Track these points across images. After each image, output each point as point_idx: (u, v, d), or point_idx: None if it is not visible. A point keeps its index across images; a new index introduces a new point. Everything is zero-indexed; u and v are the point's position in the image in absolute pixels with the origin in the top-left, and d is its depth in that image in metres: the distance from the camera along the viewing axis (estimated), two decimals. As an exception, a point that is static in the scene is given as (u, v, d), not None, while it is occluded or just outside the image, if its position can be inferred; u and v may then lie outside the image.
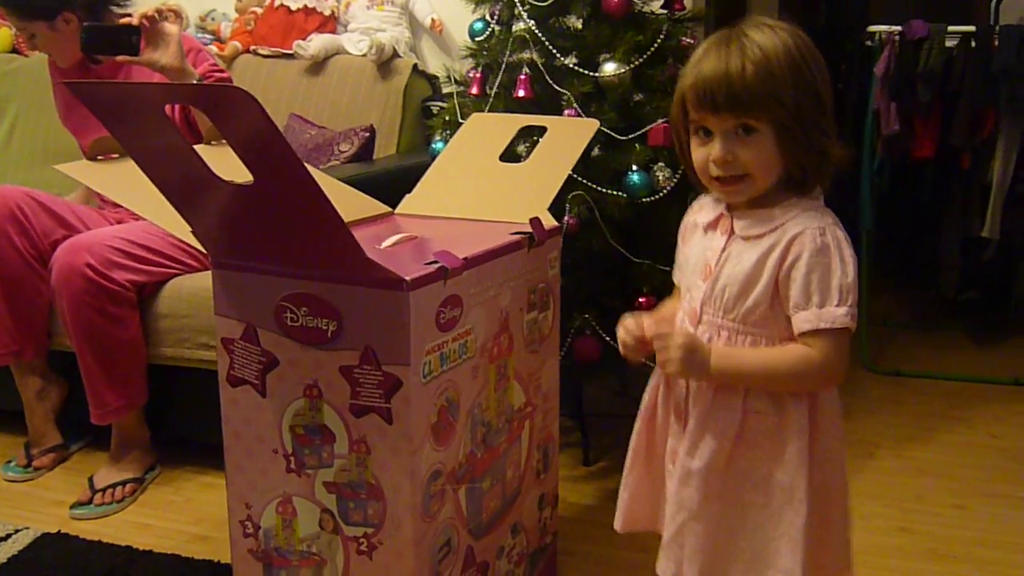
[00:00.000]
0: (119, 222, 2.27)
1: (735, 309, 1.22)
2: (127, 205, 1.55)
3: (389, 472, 1.34)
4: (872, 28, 2.90)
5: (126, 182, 1.62)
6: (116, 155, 1.63)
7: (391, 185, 1.98)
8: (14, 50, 3.31)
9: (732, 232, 1.23)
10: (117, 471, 2.14)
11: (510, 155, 1.94)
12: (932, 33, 2.74)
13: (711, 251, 1.25)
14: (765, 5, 4.05)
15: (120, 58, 2.05)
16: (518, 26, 2.13)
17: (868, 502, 2.11)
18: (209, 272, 2.14)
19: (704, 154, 1.19)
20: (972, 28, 2.76)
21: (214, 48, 2.99)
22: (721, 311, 1.23)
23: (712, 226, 1.27)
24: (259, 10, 2.99)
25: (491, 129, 1.94)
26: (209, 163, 1.22)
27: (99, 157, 1.62)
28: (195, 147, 1.22)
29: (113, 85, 1.48)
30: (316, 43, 2.81)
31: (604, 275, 2.14)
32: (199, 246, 1.43)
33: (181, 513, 2.09)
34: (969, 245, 3.16)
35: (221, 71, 2.29)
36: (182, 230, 1.47)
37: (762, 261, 1.19)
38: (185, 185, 1.29)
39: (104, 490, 2.10)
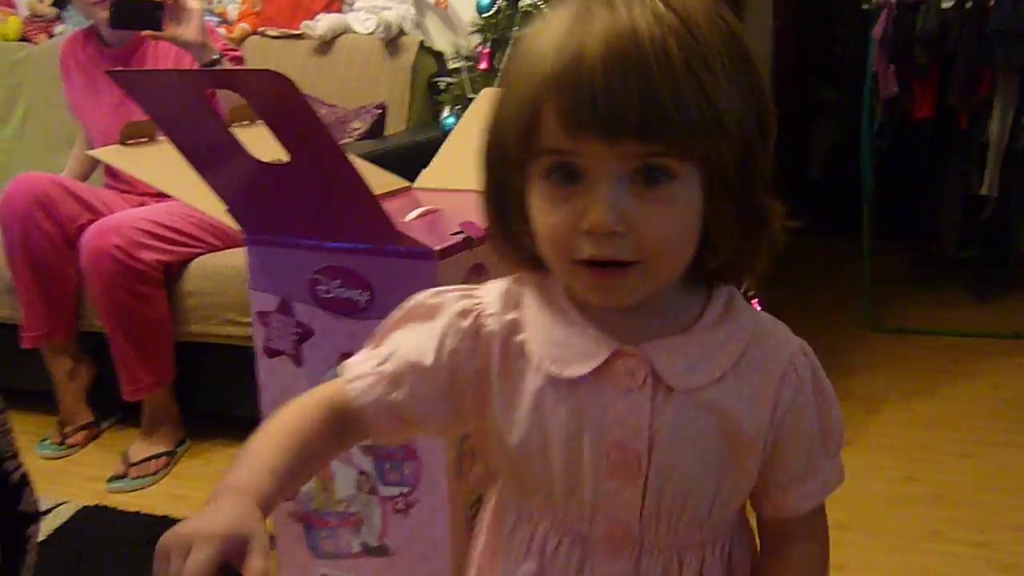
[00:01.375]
0: (141, 204, 2.33)
1: (693, 520, 0.74)
2: (159, 186, 1.61)
3: (423, 433, 1.42)
4: (869, -8, 2.95)
5: (157, 165, 1.69)
6: (145, 139, 1.69)
7: (405, 160, 2.04)
8: (24, 39, 3.35)
9: (656, 381, 0.71)
10: (150, 445, 2.22)
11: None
12: (929, -6, 2.79)
13: (625, 426, 0.71)
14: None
15: (145, 33, 2.12)
16: (524, 1, 2.18)
17: (874, 453, 2.19)
18: (232, 251, 2.23)
19: (567, 217, 0.66)
20: (968, -11, 2.81)
21: (223, 31, 3.03)
22: (665, 528, 0.74)
23: (601, 375, 0.71)
24: (265, -9, 3.04)
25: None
26: (245, 144, 1.29)
27: (129, 141, 1.68)
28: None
29: (154, 73, 1.54)
30: (323, 23, 2.85)
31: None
32: (233, 224, 1.49)
33: (213, 483, 2.11)
34: (968, 203, 3.22)
35: (235, 50, 2.34)
36: (215, 209, 1.53)
37: (738, 425, 0.72)
38: (222, 166, 1.35)
39: (138, 463, 2.17)
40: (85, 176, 2.51)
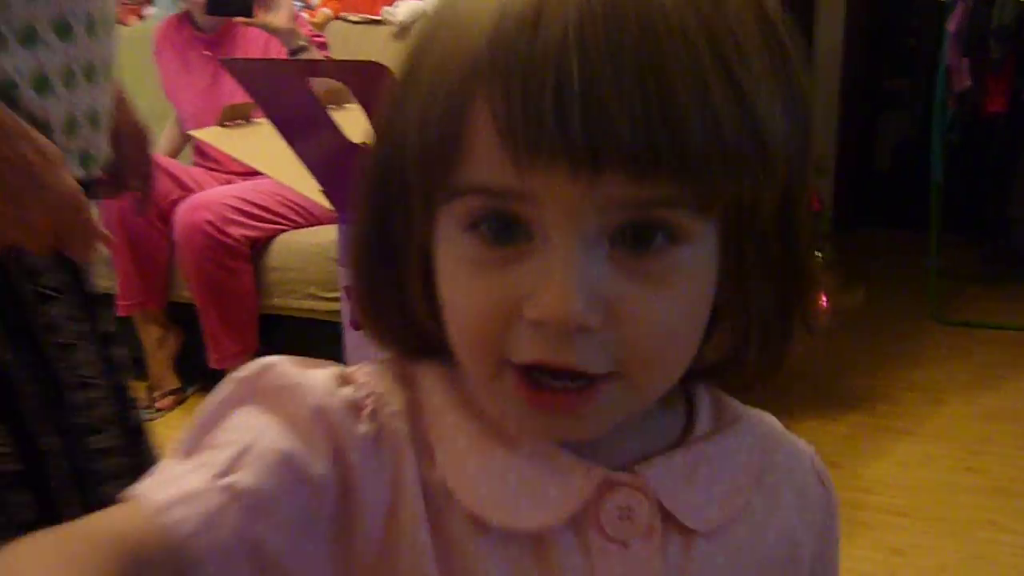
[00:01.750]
0: (228, 182, 2.45)
1: None
2: (255, 166, 1.71)
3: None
4: (945, -16, 2.94)
5: (253, 145, 1.80)
6: (242, 120, 1.80)
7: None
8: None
9: (667, 523, 0.46)
10: (233, 411, 2.34)
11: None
12: (1005, -12, 2.79)
13: None
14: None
15: (237, 20, 2.23)
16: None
17: (935, 443, 2.23)
18: (315, 228, 2.34)
19: (500, 295, 0.41)
20: (1046, -17, 2.79)
21: (306, 15, 3.14)
22: None
23: (579, 521, 0.45)
24: (347, -23, 3.14)
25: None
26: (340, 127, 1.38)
27: (226, 123, 1.79)
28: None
29: (262, 62, 1.65)
30: (403, 8, 2.93)
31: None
32: (326, 203, 1.58)
33: (293, 449, 2.27)
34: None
35: (319, 36, 2.44)
36: (307, 188, 1.63)
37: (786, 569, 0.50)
38: (319, 148, 1.45)
39: (222, 428, 2.29)
40: (175, 153, 2.64)
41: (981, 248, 3.90)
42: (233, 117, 1.76)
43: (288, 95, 1.33)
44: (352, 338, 1.62)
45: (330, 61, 1.19)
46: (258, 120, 1.85)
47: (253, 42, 2.46)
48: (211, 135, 1.77)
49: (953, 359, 2.80)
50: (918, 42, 3.58)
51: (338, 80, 1.24)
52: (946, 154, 3.08)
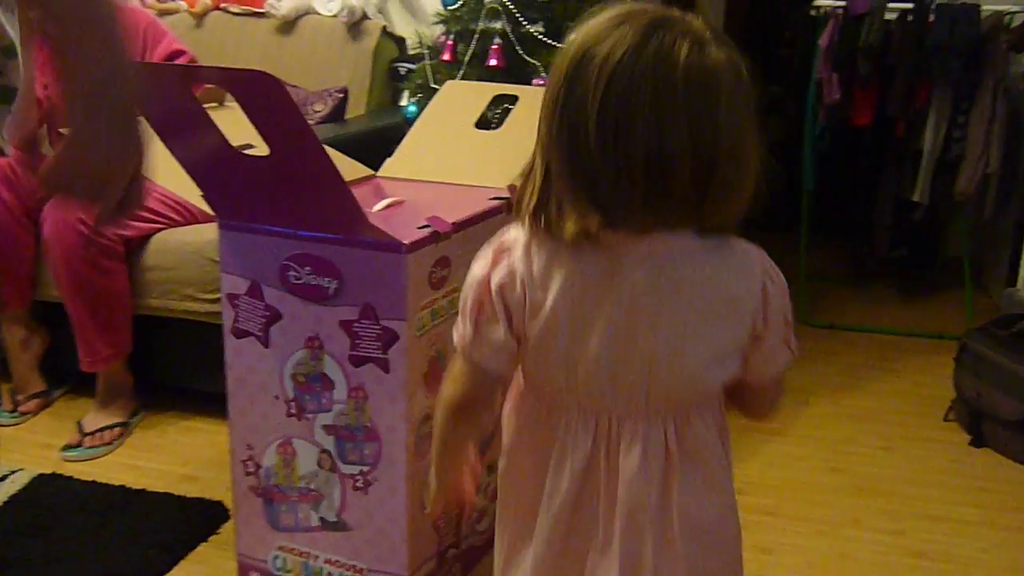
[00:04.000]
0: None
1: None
2: (133, 168, 1.64)
3: (385, 416, 1.49)
4: (817, 2, 3.06)
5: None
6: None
7: (365, 145, 2.10)
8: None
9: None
10: (105, 415, 2.25)
11: (481, 122, 2.07)
12: (873, 9, 2.92)
13: None
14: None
15: None
16: (490, -4, 2.24)
17: (802, 444, 2.32)
18: (193, 227, 2.28)
19: None
20: (910, 5, 2.94)
21: (183, 3, 3.04)
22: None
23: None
24: (228, -33, 3.05)
25: (465, 97, 2.07)
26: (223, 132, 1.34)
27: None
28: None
29: (142, 66, 1.58)
30: (288, 2, 2.88)
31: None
32: (207, 208, 1.54)
33: (168, 455, 2.21)
34: (900, 206, 3.38)
35: (184, 51, 2.36)
36: (188, 191, 1.58)
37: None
38: (201, 154, 1.41)
39: (93, 433, 2.21)
40: (30, 138, 2.47)
41: (845, 251, 4.09)
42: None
43: (169, 99, 1.28)
44: (233, 345, 1.58)
45: (216, 68, 1.16)
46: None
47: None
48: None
49: (820, 360, 2.92)
50: (791, 52, 3.72)
51: (224, 89, 1.20)
52: (816, 163, 3.22)
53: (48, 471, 2.09)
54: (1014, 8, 2.93)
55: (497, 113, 2.22)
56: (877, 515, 2.01)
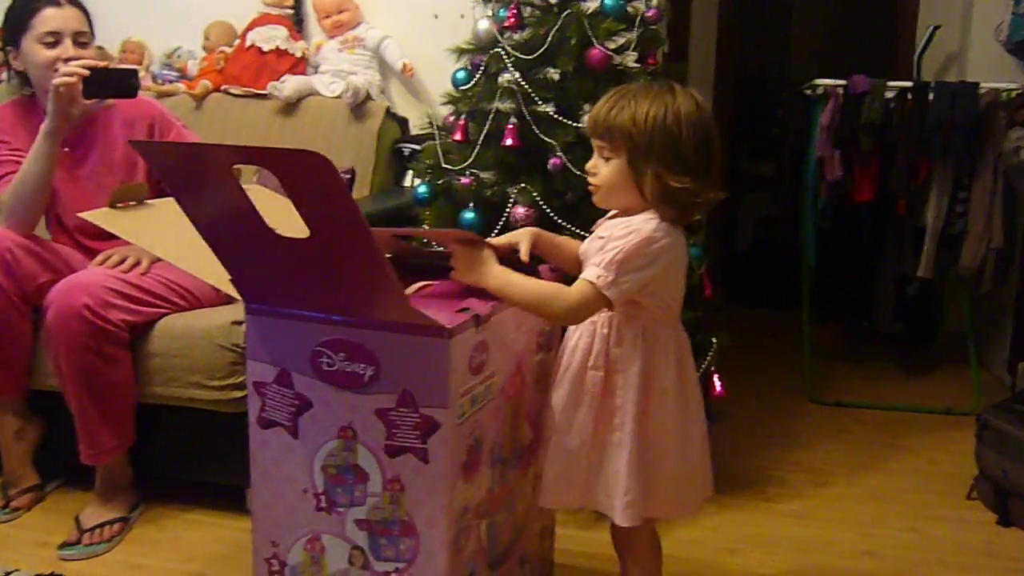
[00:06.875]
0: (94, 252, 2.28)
1: None
2: (154, 251, 1.59)
3: (423, 509, 1.41)
4: (817, 81, 3.09)
5: (148, 228, 1.68)
6: (134, 202, 1.67)
7: (375, 227, 2.04)
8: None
9: None
10: (105, 511, 2.14)
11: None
12: (873, 88, 2.95)
13: None
14: (704, 55, 4.26)
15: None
16: (504, 77, 2.22)
17: (831, 528, 2.26)
18: (198, 312, 2.21)
19: None
20: (909, 84, 2.98)
21: (182, 86, 3.02)
22: None
23: None
24: (228, 49, 3.03)
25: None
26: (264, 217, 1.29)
27: (118, 205, 1.66)
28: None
29: (182, 146, 1.54)
30: (290, 84, 2.86)
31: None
32: (232, 292, 1.48)
33: (171, 551, 2.10)
34: (897, 281, 3.39)
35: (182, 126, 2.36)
36: (209, 274, 1.52)
37: None
38: (234, 237, 1.35)
39: (92, 530, 2.10)
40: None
41: (844, 327, 4.08)
42: (125, 198, 1.64)
43: (208, 180, 1.23)
44: (259, 436, 1.51)
45: (263, 149, 1.11)
46: (150, 202, 1.73)
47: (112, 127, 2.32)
48: (102, 217, 1.63)
49: (832, 439, 2.88)
50: (783, 130, 3.75)
51: (269, 169, 1.16)
52: (817, 240, 3.22)
53: (46, 571, 1.97)
54: (1011, 85, 2.98)
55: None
56: (917, 602, 1.95)
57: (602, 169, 1.48)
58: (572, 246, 1.63)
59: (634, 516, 1.52)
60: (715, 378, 2.30)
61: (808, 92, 3.21)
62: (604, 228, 1.50)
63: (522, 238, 1.61)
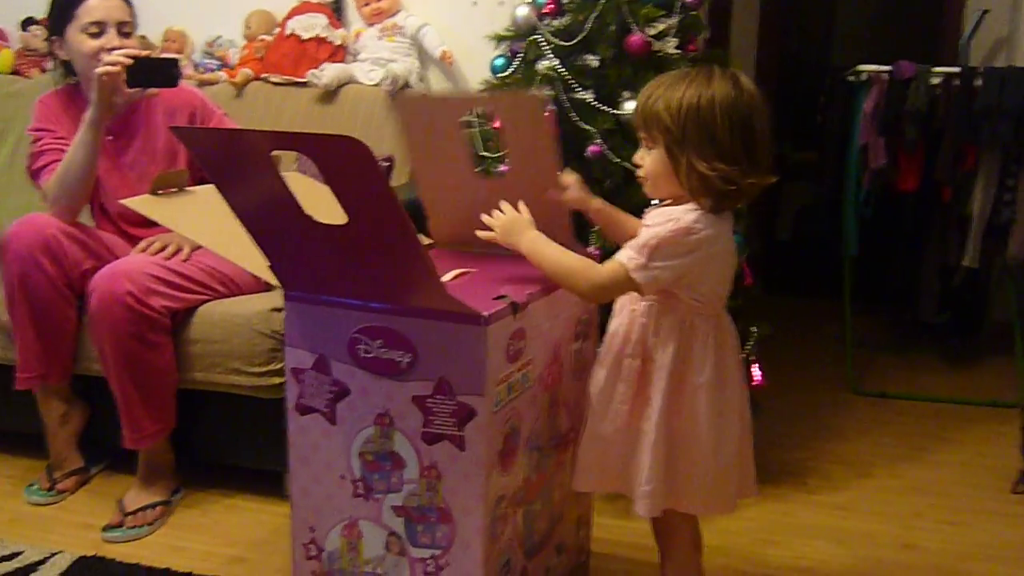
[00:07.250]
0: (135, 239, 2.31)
1: None
2: (193, 237, 1.60)
3: (459, 496, 1.42)
4: (860, 67, 3.04)
5: (189, 215, 1.69)
6: (175, 189, 1.69)
7: (413, 215, 2.04)
8: (15, 72, 3.31)
9: None
10: (147, 494, 2.17)
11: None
12: (919, 73, 2.89)
13: None
14: (745, 41, 4.21)
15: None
16: (543, 64, 2.21)
17: (871, 519, 2.23)
18: (238, 298, 2.23)
19: None
20: (956, 69, 2.92)
21: (223, 74, 3.04)
22: None
23: None
24: (268, 38, 3.05)
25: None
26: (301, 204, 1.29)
27: (159, 192, 1.68)
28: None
29: (222, 132, 1.55)
30: (329, 72, 2.87)
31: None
32: (271, 279, 1.49)
33: (212, 535, 2.13)
34: (941, 271, 3.33)
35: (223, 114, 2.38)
36: (248, 261, 1.53)
37: None
38: (273, 223, 1.36)
39: (135, 512, 2.13)
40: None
41: (888, 317, 4.02)
42: (166, 185, 1.65)
43: (249, 167, 1.24)
44: (297, 422, 1.52)
45: (301, 134, 1.11)
46: (191, 189, 1.74)
47: (155, 115, 2.35)
48: (143, 204, 1.65)
49: (874, 431, 2.84)
50: (825, 118, 3.69)
51: (306, 154, 1.16)
52: (859, 229, 3.17)
53: (89, 553, 2.01)
54: (1061, 71, 2.91)
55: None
56: (959, 596, 1.92)
57: (646, 160, 1.48)
58: (633, 225, 1.60)
59: (652, 507, 1.50)
60: (754, 367, 2.28)
61: (851, 78, 3.16)
62: (650, 216, 1.48)
63: (589, 198, 1.66)
